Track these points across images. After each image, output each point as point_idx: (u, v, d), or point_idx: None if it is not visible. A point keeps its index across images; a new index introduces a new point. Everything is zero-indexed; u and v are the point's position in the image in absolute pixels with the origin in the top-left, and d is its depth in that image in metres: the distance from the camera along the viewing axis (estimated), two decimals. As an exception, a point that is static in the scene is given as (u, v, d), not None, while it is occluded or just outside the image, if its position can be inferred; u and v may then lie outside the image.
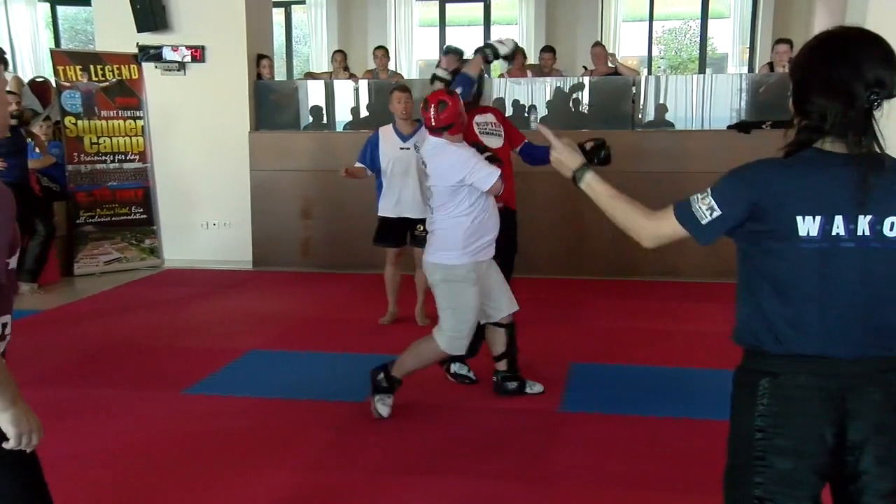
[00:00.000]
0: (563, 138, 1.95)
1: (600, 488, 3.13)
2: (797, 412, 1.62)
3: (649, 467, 3.28)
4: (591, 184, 1.88)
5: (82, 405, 3.99)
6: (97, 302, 6.33)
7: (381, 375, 3.73)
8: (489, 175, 3.55)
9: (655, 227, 1.76)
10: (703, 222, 1.67)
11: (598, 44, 8.18)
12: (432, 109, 3.59)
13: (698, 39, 12.58)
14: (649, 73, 11.87)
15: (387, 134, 5.22)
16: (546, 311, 5.60)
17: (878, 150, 1.60)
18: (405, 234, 5.25)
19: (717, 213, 1.66)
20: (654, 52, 12.92)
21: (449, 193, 3.58)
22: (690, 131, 7.28)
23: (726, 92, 7.61)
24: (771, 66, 7.33)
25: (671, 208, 1.74)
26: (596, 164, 3.91)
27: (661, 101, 7.63)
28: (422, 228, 4.92)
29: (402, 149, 5.11)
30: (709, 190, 1.69)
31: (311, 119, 8.10)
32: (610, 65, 7.64)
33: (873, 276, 1.61)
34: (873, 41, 1.61)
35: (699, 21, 12.22)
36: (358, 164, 5.21)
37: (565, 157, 1.92)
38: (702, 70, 11.97)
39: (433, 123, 3.61)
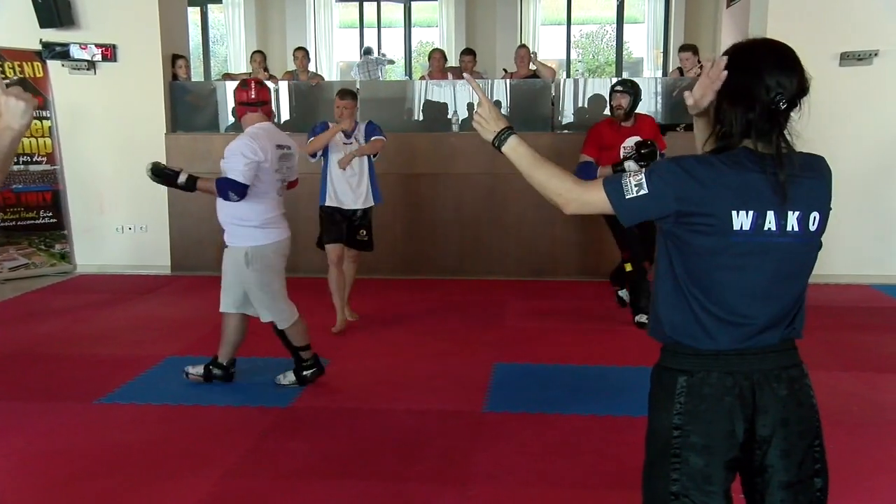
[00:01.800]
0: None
1: (518, 487, 3.16)
2: (711, 409, 1.67)
3: (570, 465, 3.34)
4: (516, 147, 1.82)
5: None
6: (1, 309, 6.03)
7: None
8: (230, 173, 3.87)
9: (581, 193, 1.74)
10: (627, 197, 1.67)
11: (522, 46, 8.28)
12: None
13: (614, 43, 12.92)
14: (568, 76, 12.10)
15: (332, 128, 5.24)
16: (466, 311, 5.64)
17: (787, 149, 1.66)
18: (345, 231, 5.27)
19: (644, 191, 1.66)
20: (573, 56, 13.19)
21: None
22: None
23: (642, 95, 7.81)
24: (680, 70, 7.59)
25: (601, 179, 1.75)
26: (640, 161, 4.93)
27: (580, 104, 7.79)
28: (364, 233, 5.34)
29: (345, 144, 5.21)
30: (643, 171, 1.70)
31: (233, 119, 7.93)
32: (532, 67, 7.75)
33: (792, 269, 1.68)
34: (774, 50, 1.69)
35: (615, 25, 12.55)
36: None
37: (492, 117, 1.84)
38: (618, 73, 12.30)
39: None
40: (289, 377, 4.19)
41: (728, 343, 1.68)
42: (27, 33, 7.06)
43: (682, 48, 7.67)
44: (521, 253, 7.07)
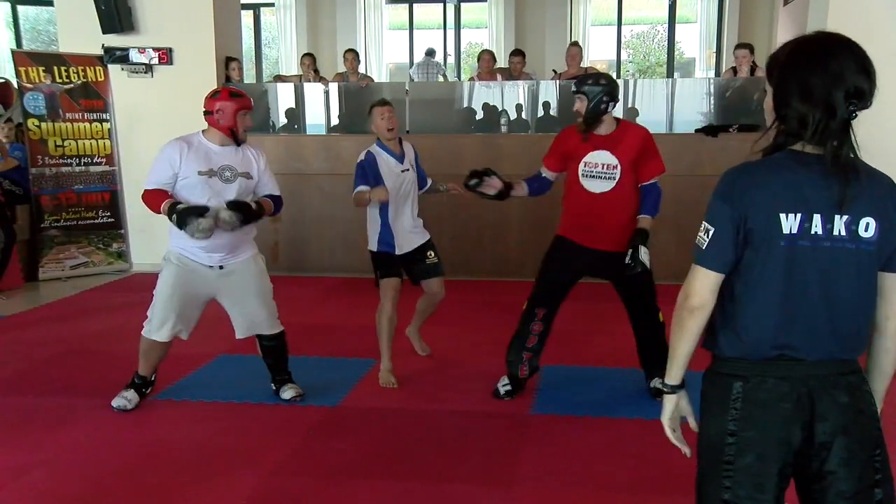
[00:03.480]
0: None
1: (564, 490, 3.13)
2: (767, 415, 1.64)
3: (617, 469, 3.30)
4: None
5: (41, 414, 3.91)
6: (61, 307, 6.22)
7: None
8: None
9: (684, 288, 1.73)
10: (704, 246, 1.68)
11: (574, 44, 8.23)
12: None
13: (666, 43, 12.74)
14: (618, 76, 11.98)
15: (380, 154, 4.24)
16: (515, 314, 5.62)
17: (853, 155, 1.62)
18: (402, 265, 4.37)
19: (712, 230, 1.66)
20: (623, 56, 13.05)
21: None
22: (658, 134, 7.32)
23: (694, 95, 7.71)
24: (734, 70, 7.45)
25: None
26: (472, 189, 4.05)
27: (630, 105, 7.71)
28: (432, 254, 4.42)
29: (403, 171, 4.28)
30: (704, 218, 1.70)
31: (285, 121, 8.07)
32: (582, 66, 7.70)
33: (841, 277, 1.63)
34: (852, 49, 1.61)
35: (667, 25, 12.38)
36: (362, 188, 4.13)
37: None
38: (670, 74, 12.14)
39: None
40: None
41: (777, 350, 1.65)
42: (90, 38, 7.28)
43: (739, 46, 7.51)
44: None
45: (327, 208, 7.32)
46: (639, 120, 7.61)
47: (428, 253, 4.39)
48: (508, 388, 4.09)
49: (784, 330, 1.64)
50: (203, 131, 3.81)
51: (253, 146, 3.93)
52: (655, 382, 4.01)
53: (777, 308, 1.64)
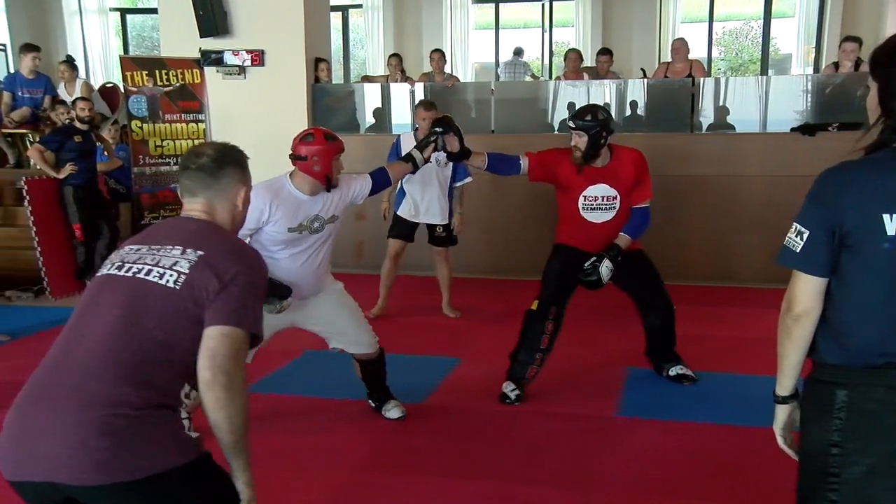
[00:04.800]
0: None
1: (647, 496, 3.08)
2: (877, 427, 1.56)
3: (702, 476, 3.22)
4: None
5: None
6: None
7: None
8: None
9: (787, 298, 1.68)
10: (798, 250, 1.63)
11: (679, 39, 8.05)
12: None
13: (760, 40, 12.32)
14: (708, 74, 11.66)
15: (407, 142, 5.12)
16: (603, 317, 5.55)
17: None
18: (414, 233, 5.57)
19: (806, 233, 1.61)
20: (714, 54, 12.69)
21: None
22: (748, 134, 7.13)
23: (789, 93, 7.43)
24: (836, 65, 7.13)
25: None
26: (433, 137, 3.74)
27: (721, 104, 7.49)
28: (440, 229, 5.48)
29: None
30: (794, 220, 1.66)
31: (373, 121, 8.19)
32: (689, 59, 7.52)
33: None
34: None
35: (761, 21, 11.96)
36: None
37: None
38: (763, 71, 11.72)
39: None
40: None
41: (881, 358, 1.57)
42: (188, 42, 7.57)
43: (847, 39, 7.13)
44: (653, 256, 6.87)
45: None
46: (729, 119, 7.40)
47: (437, 228, 5.43)
48: (518, 392, 4.00)
49: (891, 337, 1.56)
50: (290, 175, 3.41)
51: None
52: (676, 370, 4.24)
53: (881, 314, 1.56)
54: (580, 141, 3.83)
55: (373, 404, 3.89)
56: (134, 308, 1.81)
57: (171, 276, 1.83)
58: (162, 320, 1.80)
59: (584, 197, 3.91)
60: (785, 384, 1.74)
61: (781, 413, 1.76)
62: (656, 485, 3.16)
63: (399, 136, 5.50)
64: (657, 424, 3.73)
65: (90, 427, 1.67)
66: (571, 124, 3.86)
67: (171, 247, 1.91)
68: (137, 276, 1.86)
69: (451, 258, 5.70)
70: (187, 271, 1.83)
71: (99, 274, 1.98)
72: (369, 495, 3.14)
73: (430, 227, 5.52)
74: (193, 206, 2.06)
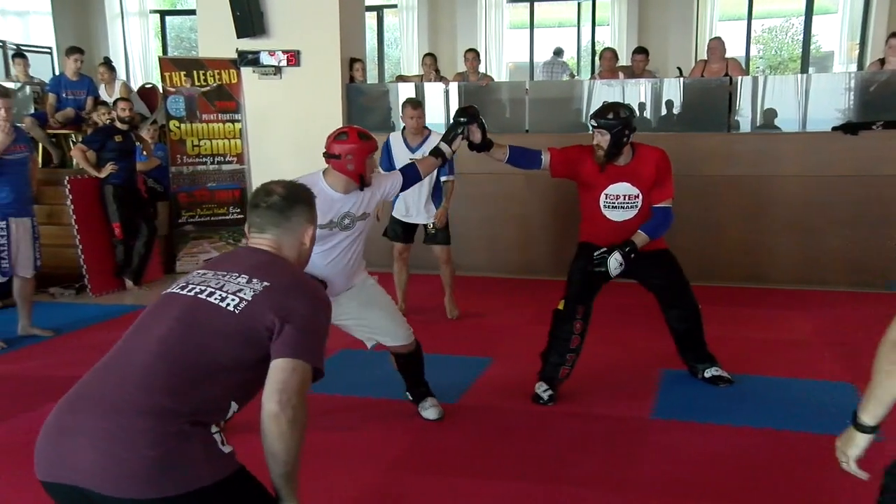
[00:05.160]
0: None
1: (685, 499, 3.04)
2: None
3: (743, 480, 3.17)
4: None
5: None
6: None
7: None
8: None
9: (887, 334, 1.60)
10: None
11: (716, 38, 7.95)
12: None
13: (800, 37, 12.11)
14: (747, 73, 11.49)
15: (397, 142, 5.41)
16: (636, 317, 5.50)
17: None
18: (413, 233, 5.66)
19: None
20: (753, 52, 12.49)
21: None
22: (787, 133, 7.01)
23: (831, 91, 7.29)
24: (882, 62, 6.97)
25: None
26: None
27: (762, 104, 7.38)
28: (431, 226, 5.51)
29: (411, 159, 4.62)
30: None
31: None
32: (725, 58, 7.42)
33: None
34: None
35: (803, 18, 11.76)
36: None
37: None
38: (804, 69, 11.51)
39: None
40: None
41: None
42: (226, 42, 7.66)
43: (895, 35, 6.96)
44: (682, 257, 6.78)
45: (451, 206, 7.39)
46: (768, 119, 7.29)
47: (428, 226, 5.50)
48: (550, 392, 3.98)
49: None
50: (324, 173, 3.44)
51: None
52: (711, 371, 4.19)
53: None
54: (602, 140, 3.80)
55: (410, 398, 3.88)
56: (189, 324, 1.85)
57: (232, 300, 1.87)
58: (215, 339, 1.83)
59: (606, 195, 3.89)
60: (874, 413, 1.64)
61: (863, 441, 1.67)
62: (694, 488, 3.12)
63: (389, 136, 5.54)
64: (694, 427, 3.69)
65: (125, 437, 1.67)
66: (593, 122, 3.83)
67: (236, 274, 1.96)
68: (199, 296, 1.90)
69: (451, 260, 5.71)
70: (250, 299, 1.87)
71: (163, 293, 2.03)
72: (402, 494, 3.14)
73: (424, 227, 5.60)
74: (261, 241, 2.11)
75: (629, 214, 3.92)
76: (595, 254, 3.89)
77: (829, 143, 6.50)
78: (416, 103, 5.45)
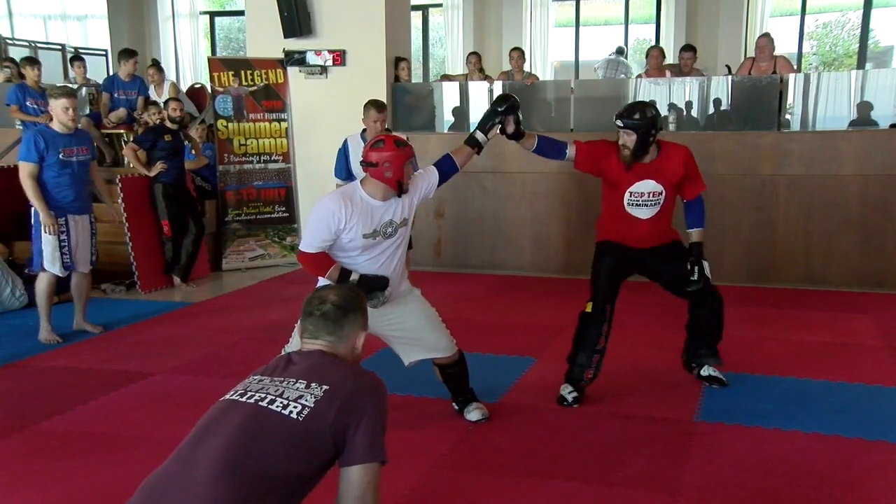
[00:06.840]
0: None
1: (734, 501, 2.98)
2: None
3: (792, 485, 3.09)
4: None
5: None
6: (241, 296, 6.66)
7: None
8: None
9: None
10: None
11: (765, 35, 7.78)
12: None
13: (858, 32, 11.78)
14: (799, 70, 11.22)
15: (354, 144, 5.24)
16: (682, 318, 5.41)
17: None
18: None
19: None
20: (806, 48, 12.20)
21: None
22: (842, 131, 6.82)
23: (891, 88, 7.07)
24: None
25: None
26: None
27: (813, 101, 7.20)
28: None
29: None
30: None
31: (452, 120, 8.21)
32: (774, 55, 7.26)
33: None
34: None
35: (860, 12, 11.43)
36: (338, 182, 5.22)
37: None
38: (860, 65, 11.20)
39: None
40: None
41: None
42: (273, 43, 7.76)
43: None
44: (736, 258, 6.67)
45: (489, 206, 7.39)
46: (820, 116, 7.10)
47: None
48: (576, 394, 3.95)
49: None
50: (362, 182, 3.41)
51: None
52: (709, 370, 4.18)
53: None
54: (629, 139, 3.75)
55: (456, 407, 3.86)
56: (251, 431, 1.88)
57: (295, 407, 1.91)
58: (277, 446, 1.86)
59: (631, 193, 3.85)
60: None
61: None
62: (744, 492, 3.05)
63: (346, 139, 5.39)
64: (741, 430, 3.61)
65: None
66: (619, 123, 3.76)
67: (294, 380, 2.00)
68: (259, 403, 1.94)
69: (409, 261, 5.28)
70: (312, 405, 1.91)
71: (221, 399, 2.06)
72: (444, 492, 3.13)
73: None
74: (315, 346, 2.15)
75: (652, 212, 3.89)
76: (692, 278, 3.93)
77: (890, 142, 6.31)
78: (381, 105, 5.27)
